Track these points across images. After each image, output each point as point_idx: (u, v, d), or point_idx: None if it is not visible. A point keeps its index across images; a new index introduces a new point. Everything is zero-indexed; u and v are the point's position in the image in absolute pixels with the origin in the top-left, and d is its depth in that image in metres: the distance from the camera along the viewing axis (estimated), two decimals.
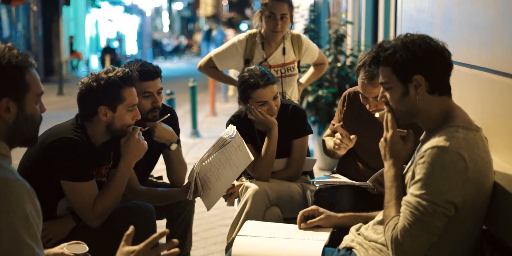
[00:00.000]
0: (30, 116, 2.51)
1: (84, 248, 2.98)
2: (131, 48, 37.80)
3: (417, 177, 2.73)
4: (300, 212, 3.42)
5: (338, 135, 4.10)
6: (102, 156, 3.85)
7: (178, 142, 4.39)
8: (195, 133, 12.10)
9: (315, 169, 8.00)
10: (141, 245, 2.56)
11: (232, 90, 17.60)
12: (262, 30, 5.34)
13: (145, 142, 3.82)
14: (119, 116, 3.74)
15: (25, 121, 2.50)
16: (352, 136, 4.07)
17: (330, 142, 4.31)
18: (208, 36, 34.01)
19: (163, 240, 4.65)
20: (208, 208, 4.18)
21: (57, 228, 3.64)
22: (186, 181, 4.32)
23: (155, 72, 4.24)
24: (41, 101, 2.59)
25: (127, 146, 3.75)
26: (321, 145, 4.57)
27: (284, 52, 5.36)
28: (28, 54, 2.53)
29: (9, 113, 2.44)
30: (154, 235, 2.53)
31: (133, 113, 3.79)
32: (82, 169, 3.62)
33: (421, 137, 2.95)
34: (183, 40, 48.34)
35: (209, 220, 6.54)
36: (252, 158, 4.02)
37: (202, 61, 5.59)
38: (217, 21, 46.58)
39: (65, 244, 2.98)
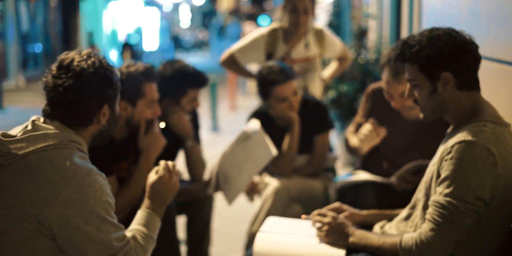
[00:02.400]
0: (116, 117, 2.80)
1: None
2: (151, 43, 37.83)
3: (444, 174, 2.67)
4: (323, 209, 3.35)
5: (368, 126, 4.03)
6: (122, 151, 3.81)
7: (197, 139, 4.37)
8: (215, 128, 12.08)
9: (338, 164, 7.95)
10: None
11: (252, 85, 17.55)
12: (285, 24, 5.28)
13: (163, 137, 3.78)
14: (139, 111, 3.72)
15: (113, 122, 2.78)
16: (381, 130, 4.00)
17: (353, 140, 4.24)
18: (220, 32, 33.44)
19: (182, 236, 4.63)
20: (229, 203, 4.17)
21: None
22: (207, 176, 4.28)
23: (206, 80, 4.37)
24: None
25: (146, 141, 3.72)
26: (344, 141, 4.51)
27: (306, 46, 5.29)
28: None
29: (104, 117, 2.71)
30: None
31: (153, 109, 3.75)
32: (102, 164, 3.57)
33: (448, 131, 2.89)
34: (205, 35, 48.31)
35: (228, 216, 6.50)
36: (274, 152, 3.98)
37: (224, 56, 5.54)
38: (237, 15, 46.57)
39: None
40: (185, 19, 49.73)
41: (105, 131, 2.74)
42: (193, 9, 49.96)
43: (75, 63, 2.59)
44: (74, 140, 2.58)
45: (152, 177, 2.90)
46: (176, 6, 47.07)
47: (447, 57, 2.72)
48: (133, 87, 3.67)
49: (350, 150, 4.36)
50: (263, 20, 27.85)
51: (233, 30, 32.62)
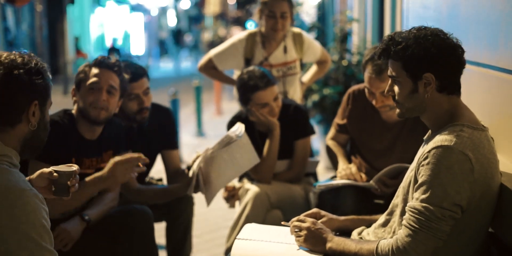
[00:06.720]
0: (47, 124, 2.61)
1: (71, 168, 2.80)
2: (137, 48, 37.74)
3: (421, 180, 2.64)
4: (301, 215, 3.31)
5: (354, 169, 4.04)
6: (89, 149, 3.73)
7: (175, 144, 4.48)
8: (200, 132, 12.05)
9: (321, 168, 7.92)
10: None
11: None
12: (263, 29, 5.24)
13: (131, 176, 3.63)
14: (81, 96, 3.72)
15: (44, 128, 2.59)
16: (363, 176, 4.01)
17: (339, 157, 4.25)
18: (177, 38, 31.21)
19: (163, 242, 4.59)
20: (208, 203, 4.12)
21: (72, 231, 3.53)
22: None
23: (138, 74, 4.18)
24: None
25: (111, 168, 3.57)
26: (325, 146, 4.48)
27: (285, 51, 5.26)
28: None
29: (34, 117, 2.52)
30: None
31: (92, 93, 3.70)
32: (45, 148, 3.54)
33: (425, 137, 2.87)
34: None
35: (212, 221, 6.46)
36: (259, 159, 3.96)
37: (201, 61, 5.50)
38: (225, 20, 46.45)
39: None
40: (171, 23, 49.57)
41: (37, 138, 2.59)
42: (180, 14, 49.83)
43: (3, 58, 2.49)
44: (2, 154, 2.45)
45: None
46: (163, 11, 46.94)
47: (432, 58, 2.69)
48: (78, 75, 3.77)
49: (331, 158, 4.34)
50: (250, 24, 27.78)
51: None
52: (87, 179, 3.57)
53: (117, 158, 3.56)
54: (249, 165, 4.03)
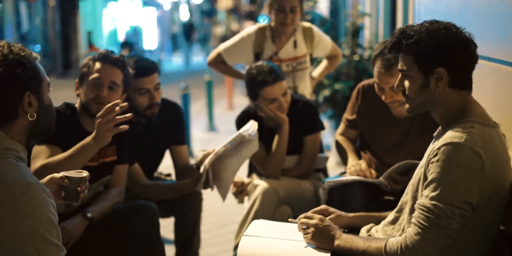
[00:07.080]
0: (49, 106, 2.56)
1: (81, 174, 2.76)
2: (149, 42, 37.75)
3: (431, 177, 2.60)
4: (309, 212, 3.27)
5: (364, 165, 4.01)
6: None
7: (183, 140, 4.43)
8: (211, 127, 12.03)
9: (332, 164, 7.90)
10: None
11: None
12: (272, 23, 5.20)
13: (114, 130, 3.42)
14: (84, 90, 3.72)
15: (45, 112, 2.53)
16: (373, 172, 3.99)
17: (349, 153, 4.22)
18: (188, 33, 31.04)
19: (172, 237, 4.58)
20: (224, 198, 4.14)
21: (72, 229, 3.51)
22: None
23: (150, 68, 4.18)
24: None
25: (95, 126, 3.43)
26: (335, 142, 4.44)
27: (295, 45, 5.21)
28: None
29: (31, 107, 2.47)
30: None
31: (93, 89, 3.69)
32: (61, 136, 3.44)
33: (435, 133, 2.82)
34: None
35: (222, 217, 6.44)
36: (258, 147, 4.02)
37: (210, 56, 5.46)
38: (237, 14, 46.36)
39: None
40: (184, 18, 49.55)
41: (41, 124, 2.53)
42: (192, 8, 49.78)
43: None
44: (9, 148, 2.41)
45: None
46: (176, 5, 46.92)
47: (445, 53, 2.65)
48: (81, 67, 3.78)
49: (341, 154, 4.31)
50: (263, 19, 27.80)
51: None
52: (77, 145, 3.43)
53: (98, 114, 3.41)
54: (250, 154, 4.07)
